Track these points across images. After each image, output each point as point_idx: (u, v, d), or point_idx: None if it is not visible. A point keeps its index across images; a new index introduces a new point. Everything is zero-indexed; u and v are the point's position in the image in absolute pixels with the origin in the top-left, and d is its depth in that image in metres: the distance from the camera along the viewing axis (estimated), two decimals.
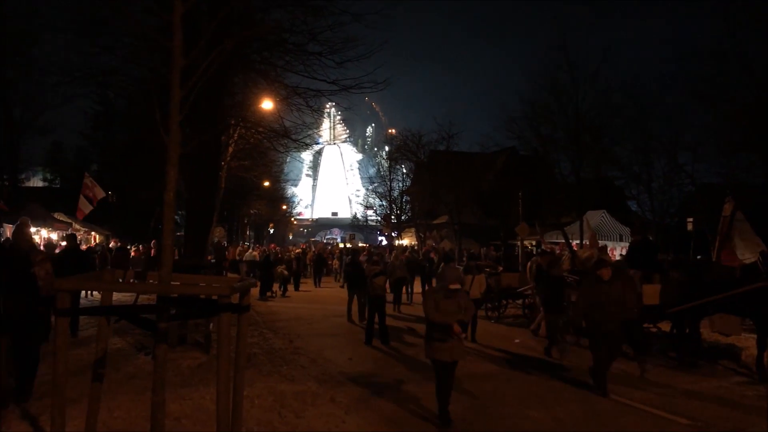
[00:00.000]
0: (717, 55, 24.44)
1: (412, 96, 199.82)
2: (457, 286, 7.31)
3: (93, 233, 30.17)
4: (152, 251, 23.33)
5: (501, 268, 18.51)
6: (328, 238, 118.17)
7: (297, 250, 35.28)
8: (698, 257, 20.54)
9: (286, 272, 25.76)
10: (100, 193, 26.97)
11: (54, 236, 24.07)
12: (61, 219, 26.34)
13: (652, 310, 11.15)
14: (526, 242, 27.24)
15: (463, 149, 40.95)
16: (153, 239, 24.25)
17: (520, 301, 17.13)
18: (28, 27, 30.20)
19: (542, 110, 31.49)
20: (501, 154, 39.43)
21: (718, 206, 15.39)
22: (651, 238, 15.43)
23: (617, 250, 26.36)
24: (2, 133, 32.66)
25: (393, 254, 22.10)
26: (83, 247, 24.56)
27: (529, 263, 16.20)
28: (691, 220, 34.25)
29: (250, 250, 31.70)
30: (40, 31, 27.99)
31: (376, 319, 13.01)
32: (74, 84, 15.28)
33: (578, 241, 26.12)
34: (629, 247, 13.28)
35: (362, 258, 25.25)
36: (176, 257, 15.32)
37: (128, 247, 25.49)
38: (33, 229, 19.12)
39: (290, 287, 26.16)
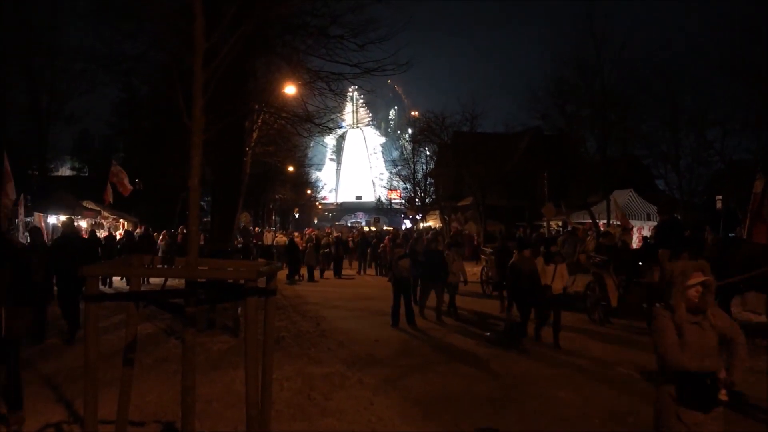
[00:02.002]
0: (748, 26, 23.78)
1: (434, 77, 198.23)
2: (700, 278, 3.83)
3: (121, 220, 30.61)
4: (179, 237, 23.59)
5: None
6: (352, 222, 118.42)
7: (336, 233, 34.03)
8: (730, 235, 20.14)
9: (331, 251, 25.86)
10: (128, 186, 27.42)
11: (83, 224, 24.44)
12: (90, 207, 26.80)
13: None
14: (552, 223, 27.03)
15: (487, 130, 40.57)
16: (180, 225, 24.50)
17: None
18: (52, 15, 30.53)
19: (567, 87, 30.99)
20: (526, 134, 39.02)
21: (749, 183, 15.04)
22: (678, 217, 15.13)
23: (645, 230, 26.01)
24: (30, 123, 33.17)
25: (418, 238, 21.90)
26: (112, 234, 24.96)
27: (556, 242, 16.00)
28: (720, 198, 33.64)
29: (276, 235, 31.93)
30: (63, 18, 28.30)
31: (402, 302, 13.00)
32: (99, 71, 15.45)
33: (605, 221, 25.85)
34: (657, 226, 13.06)
35: (386, 241, 25.40)
36: (202, 242, 15.50)
37: (154, 233, 25.75)
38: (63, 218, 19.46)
39: (328, 273, 25.58)
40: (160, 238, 24.25)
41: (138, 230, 26.59)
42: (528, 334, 10.82)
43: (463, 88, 74.96)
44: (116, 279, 18.41)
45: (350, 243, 30.80)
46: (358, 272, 26.51)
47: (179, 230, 24.87)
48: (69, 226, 12.39)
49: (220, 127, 10.46)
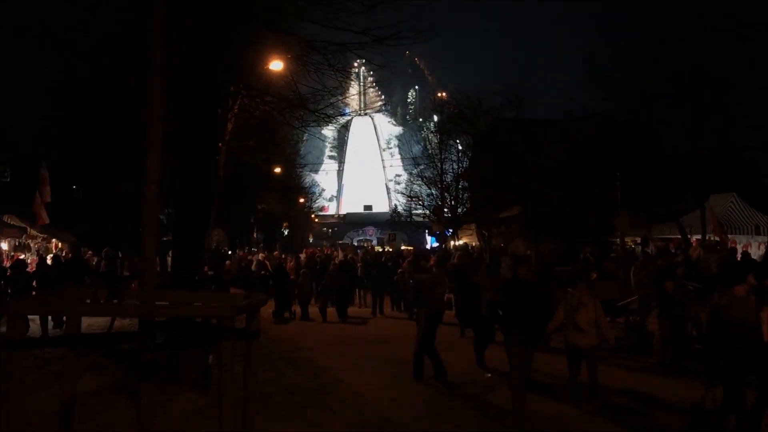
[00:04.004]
0: None
1: (467, 47, 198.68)
2: None
3: (54, 240, 30.61)
4: (134, 261, 23.68)
5: (594, 275, 18.29)
6: (359, 240, 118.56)
7: (341, 254, 33.08)
8: None
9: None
10: (46, 196, 26.52)
11: (4, 246, 24.51)
12: (12, 223, 26.54)
13: None
14: (627, 238, 26.81)
15: (537, 116, 40.54)
16: (131, 246, 24.57)
17: (621, 319, 16.90)
18: None
19: (646, 59, 30.88)
20: (590, 122, 38.87)
21: None
22: None
23: (753, 246, 25.77)
24: None
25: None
26: (23, 261, 24.72)
27: (633, 266, 16.00)
28: None
29: (258, 256, 31.94)
30: None
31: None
32: (25, 45, 15.57)
33: (699, 236, 25.64)
34: None
35: (405, 265, 25.20)
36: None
37: (86, 254, 25.63)
38: None
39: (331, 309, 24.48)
40: (102, 260, 24.24)
41: (65, 252, 26.35)
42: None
43: (504, 62, 75.11)
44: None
45: (358, 270, 30.26)
46: (373, 312, 25.81)
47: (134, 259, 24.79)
48: None
49: (184, 115, 10.54)
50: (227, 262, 29.29)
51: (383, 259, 30.44)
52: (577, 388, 10.88)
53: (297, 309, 24.05)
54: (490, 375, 13.20)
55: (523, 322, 10.34)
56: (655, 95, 30.98)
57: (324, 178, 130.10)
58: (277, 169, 44.23)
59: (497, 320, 12.07)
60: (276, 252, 43.35)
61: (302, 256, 35.26)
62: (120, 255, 26.24)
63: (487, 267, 15.96)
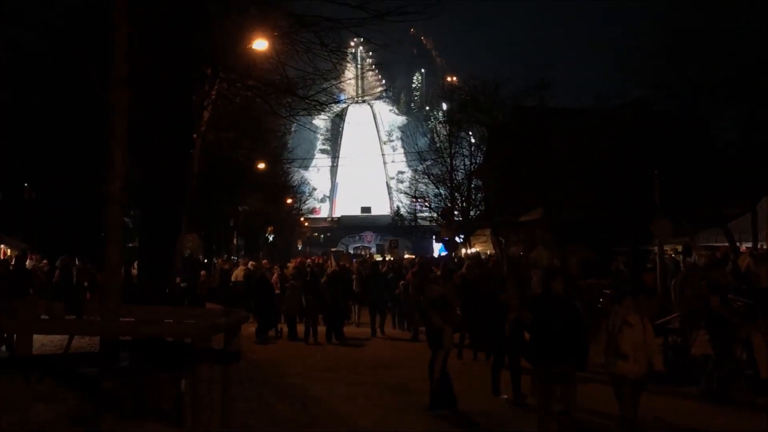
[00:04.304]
0: None
1: (482, 23, 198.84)
2: None
3: (2, 246, 30.61)
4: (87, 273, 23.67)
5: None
6: (356, 248, 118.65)
7: (334, 264, 32.62)
8: None
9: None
10: None
11: None
12: None
13: None
14: (667, 247, 26.79)
15: (564, 104, 40.52)
16: (91, 254, 24.54)
17: (660, 340, 16.88)
18: None
19: (690, 37, 30.84)
20: (625, 111, 38.81)
21: None
22: None
23: None
24: None
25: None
26: None
27: (673, 279, 16.00)
28: None
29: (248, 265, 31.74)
30: None
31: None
32: None
33: (749, 244, 25.62)
34: None
35: (409, 276, 25.06)
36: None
37: (38, 263, 25.62)
38: None
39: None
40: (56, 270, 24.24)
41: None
42: None
43: (526, 41, 75.26)
44: None
45: (354, 282, 29.98)
46: (372, 332, 25.74)
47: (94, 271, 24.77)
48: None
49: (153, 102, 10.54)
50: (202, 272, 29.28)
51: (384, 269, 30.26)
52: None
53: (284, 327, 24.02)
54: (506, 396, 13.29)
55: (561, 350, 10.09)
56: (704, 81, 30.95)
57: (315, 175, 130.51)
58: (261, 165, 44.24)
59: (524, 347, 11.94)
60: (265, 261, 43.22)
61: (290, 265, 35.09)
62: (77, 263, 26.17)
63: (518, 281, 15.64)
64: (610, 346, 10.33)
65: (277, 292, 25.53)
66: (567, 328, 10.11)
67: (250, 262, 32.60)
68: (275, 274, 28.77)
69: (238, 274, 30.47)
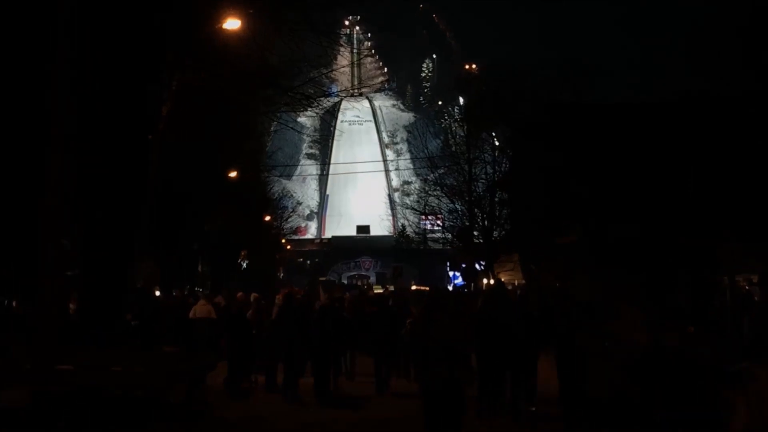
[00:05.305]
0: None
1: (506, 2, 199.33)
2: None
3: None
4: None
5: (691, 329, 18.26)
6: (351, 276, 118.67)
7: (326, 297, 32.45)
8: None
9: None
10: None
11: None
12: None
13: None
14: (738, 276, 26.78)
15: (607, 98, 40.68)
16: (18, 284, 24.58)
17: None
18: None
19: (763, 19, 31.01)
20: (684, 106, 38.91)
21: None
22: None
23: None
24: None
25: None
26: None
27: (747, 316, 15.99)
28: None
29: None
30: None
31: None
32: None
33: None
34: None
35: (415, 313, 24.80)
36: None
37: None
38: None
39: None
40: None
41: None
42: None
43: (557, 24, 75.56)
44: None
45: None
46: (378, 388, 24.74)
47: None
48: None
49: (99, 94, 10.55)
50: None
51: (390, 303, 29.54)
52: None
53: (260, 377, 23.84)
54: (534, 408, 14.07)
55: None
56: None
57: (300, 186, 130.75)
58: (232, 173, 44.21)
59: None
60: (240, 294, 42.86)
61: (278, 297, 34.73)
62: None
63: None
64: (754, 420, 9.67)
65: (254, 331, 25.40)
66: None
67: (218, 297, 32.62)
68: (251, 310, 28.62)
69: (197, 309, 30.42)
